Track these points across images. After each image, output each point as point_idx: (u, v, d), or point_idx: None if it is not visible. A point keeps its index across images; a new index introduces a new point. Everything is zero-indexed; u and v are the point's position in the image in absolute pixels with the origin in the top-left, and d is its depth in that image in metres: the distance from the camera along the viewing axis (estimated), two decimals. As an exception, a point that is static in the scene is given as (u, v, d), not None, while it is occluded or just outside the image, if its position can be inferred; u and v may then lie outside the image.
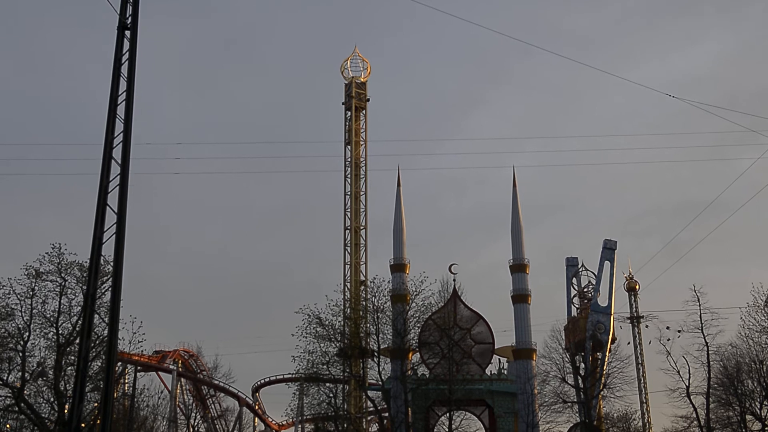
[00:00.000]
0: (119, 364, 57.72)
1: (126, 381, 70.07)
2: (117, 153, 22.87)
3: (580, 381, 66.68)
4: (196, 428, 71.56)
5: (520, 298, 72.83)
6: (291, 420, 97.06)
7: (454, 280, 71.71)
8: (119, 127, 23.07)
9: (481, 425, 72.23)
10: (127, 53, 23.70)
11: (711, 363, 57.31)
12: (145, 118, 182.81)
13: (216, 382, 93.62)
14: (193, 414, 73.70)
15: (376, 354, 62.67)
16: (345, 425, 67.20)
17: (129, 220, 22.27)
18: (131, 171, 22.76)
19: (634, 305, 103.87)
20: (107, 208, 22.37)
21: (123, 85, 23.45)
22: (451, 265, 72.37)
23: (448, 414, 63.46)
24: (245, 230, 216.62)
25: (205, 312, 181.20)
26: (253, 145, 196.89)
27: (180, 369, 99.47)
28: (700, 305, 57.27)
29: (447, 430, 62.88)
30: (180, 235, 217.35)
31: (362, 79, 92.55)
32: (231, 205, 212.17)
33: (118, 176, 22.55)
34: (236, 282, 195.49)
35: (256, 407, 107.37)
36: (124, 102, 23.30)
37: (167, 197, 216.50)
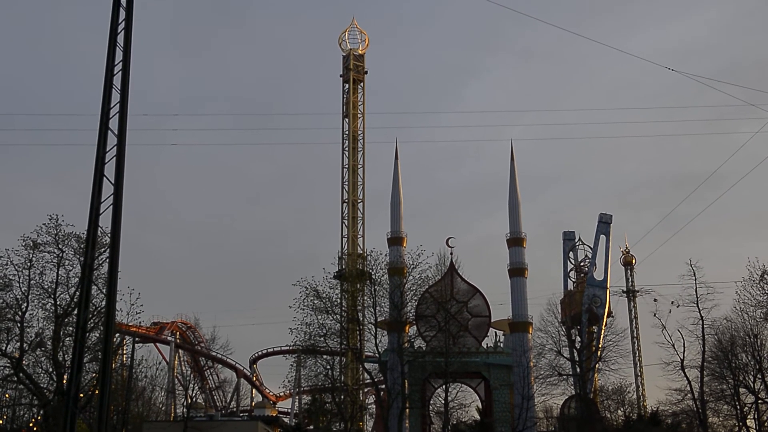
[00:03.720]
0: (117, 335, 57.96)
1: (124, 352, 70.42)
2: (114, 124, 22.79)
3: (575, 354, 67.11)
4: (194, 399, 71.99)
5: (517, 271, 73.05)
6: (288, 391, 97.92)
7: (451, 254, 71.99)
8: (116, 97, 22.95)
9: (477, 397, 72.81)
10: (123, 23, 23.49)
11: (706, 337, 57.62)
12: (142, 89, 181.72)
13: (214, 353, 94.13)
14: (191, 385, 74.00)
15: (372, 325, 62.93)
16: (342, 397, 67.69)
17: (126, 191, 22.27)
18: (128, 142, 22.73)
19: (630, 279, 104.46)
20: (104, 179, 22.33)
21: (119, 55, 23.28)
22: (449, 238, 72.63)
23: (444, 386, 63.90)
24: (242, 201, 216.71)
25: (202, 283, 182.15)
26: (250, 116, 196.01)
27: (178, 340, 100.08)
28: (695, 279, 57.48)
29: (443, 402, 63.38)
30: (177, 206, 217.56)
31: (360, 51, 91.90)
32: (228, 176, 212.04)
33: (115, 147, 22.48)
34: (233, 253, 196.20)
35: (254, 379, 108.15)
36: (120, 72, 23.14)
37: (164, 168, 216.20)
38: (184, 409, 66.72)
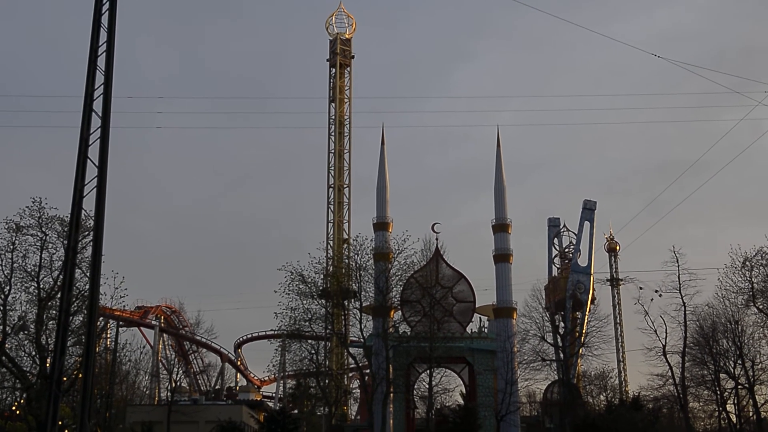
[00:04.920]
0: (101, 319, 57.76)
1: (108, 336, 70.27)
2: (98, 105, 22.58)
3: (559, 340, 67.59)
4: (178, 383, 71.98)
5: (502, 257, 73.19)
6: (273, 376, 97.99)
7: (437, 239, 71.98)
8: (100, 79, 22.72)
9: (461, 382, 73.22)
10: (108, 3, 23.23)
11: (687, 323, 58.24)
12: (127, 70, 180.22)
13: (198, 337, 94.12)
14: (176, 369, 74.10)
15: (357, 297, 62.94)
16: (326, 381, 67.87)
17: (110, 174, 22.12)
18: (112, 124, 22.51)
19: (614, 266, 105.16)
20: (88, 161, 22.15)
21: (103, 36, 23.03)
22: (434, 224, 72.63)
23: (428, 371, 64.19)
24: (227, 186, 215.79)
25: (187, 267, 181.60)
26: (236, 100, 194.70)
27: (162, 324, 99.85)
28: (678, 266, 58.01)
29: (427, 386, 63.68)
30: (162, 189, 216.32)
31: (347, 36, 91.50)
32: (213, 160, 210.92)
33: (99, 129, 22.28)
34: (219, 237, 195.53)
35: (238, 363, 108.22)
36: (104, 53, 22.90)
37: (149, 151, 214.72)
38: (169, 393, 66.76)
